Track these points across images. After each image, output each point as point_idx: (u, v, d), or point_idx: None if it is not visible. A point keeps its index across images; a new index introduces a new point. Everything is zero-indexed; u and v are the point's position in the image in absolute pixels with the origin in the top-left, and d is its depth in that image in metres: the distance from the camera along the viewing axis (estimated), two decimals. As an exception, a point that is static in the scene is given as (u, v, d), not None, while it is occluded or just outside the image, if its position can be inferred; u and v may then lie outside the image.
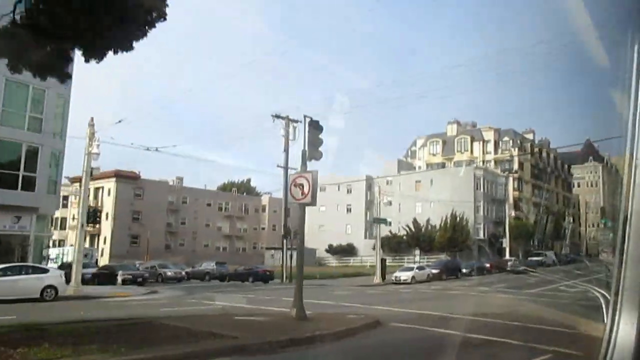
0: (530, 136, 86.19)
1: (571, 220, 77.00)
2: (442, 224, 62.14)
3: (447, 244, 60.42)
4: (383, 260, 41.87)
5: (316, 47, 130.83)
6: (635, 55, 2.61)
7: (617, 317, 2.63)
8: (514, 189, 75.26)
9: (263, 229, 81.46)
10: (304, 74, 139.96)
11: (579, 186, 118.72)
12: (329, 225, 76.63)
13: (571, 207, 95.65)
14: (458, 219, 62.08)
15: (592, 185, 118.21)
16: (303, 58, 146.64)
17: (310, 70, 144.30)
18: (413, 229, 65.03)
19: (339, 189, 76.83)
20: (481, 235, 64.30)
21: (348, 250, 72.83)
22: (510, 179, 75.43)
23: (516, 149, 77.79)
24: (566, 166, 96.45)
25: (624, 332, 2.56)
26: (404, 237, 65.71)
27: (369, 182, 74.85)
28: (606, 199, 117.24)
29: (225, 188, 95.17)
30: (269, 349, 9.33)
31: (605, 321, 2.79)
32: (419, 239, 63.85)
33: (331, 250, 72.43)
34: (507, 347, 9.49)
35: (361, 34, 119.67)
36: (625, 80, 2.67)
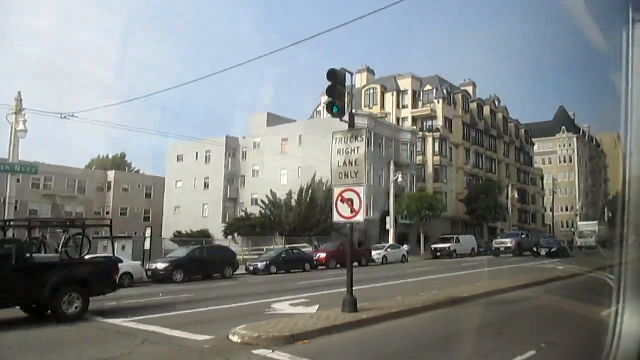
0: (469, 89, 65.80)
1: (511, 198, 56.52)
2: (297, 197, 41.96)
3: (299, 224, 40.27)
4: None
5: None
6: (628, 34, 2.64)
7: (620, 303, 2.69)
8: (434, 153, 54.94)
9: (107, 213, 61.28)
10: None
11: (550, 162, 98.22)
12: (185, 206, 56.74)
13: (529, 184, 75.14)
14: (325, 187, 41.82)
15: (565, 161, 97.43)
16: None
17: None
18: (270, 206, 44.89)
19: (196, 157, 56.84)
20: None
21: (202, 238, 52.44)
22: (430, 139, 55.16)
23: (440, 101, 57.37)
24: (522, 131, 75.78)
25: (629, 317, 2.56)
26: (261, 218, 45.59)
27: (231, 146, 54.59)
28: (583, 177, 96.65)
29: (91, 165, 75.54)
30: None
31: (611, 307, 2.91)
32: (273, 220, 43.72)
33: (179, 238, 52.02)
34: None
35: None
36: (617, 59, 2.71)
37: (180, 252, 24.17)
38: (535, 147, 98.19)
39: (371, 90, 60.01)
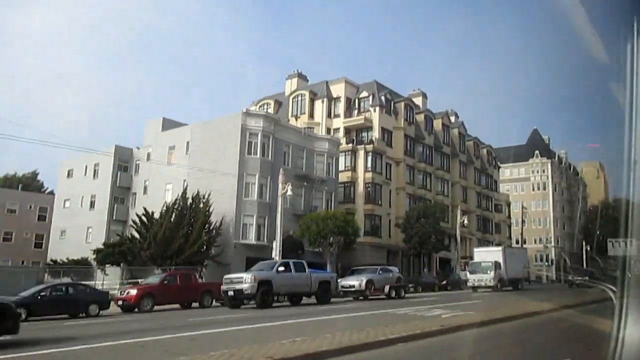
0: (418, 100, 57.71)
1: (461, 224, 47.49)
2: (161, 217, 32.86)
3: (157, 252, 31.05)
4: None
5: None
6: (629, 49, 2.70)
7: (623, 315, 2.70)
8: (366, 169, 46.14)
9: (-14, 238, 51.83)
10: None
11: (522, 190, 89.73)
12: (71, 230, 47.41)
13: (492, 211, 66.27)
14: (201, 203, 32.81)
15: (538, 188, 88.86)
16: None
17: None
18: (142, 230, 35.62)
19: (85, 172, 47.90)
20: (252, 238, 34.59)
21: (82, 269, 42.49)
22: (362, 152, 46.49)
23: (376, 109, 49.04)
24: (485, 151, 67.36)
25: (632, 328, 2.61)
26: (129, 244, 36.39)
27: (123, 159, 45.73)
28: (559, 207, 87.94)
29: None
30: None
31: (614, 319, 2.85)
32: (143, 246, 34.40)
33: (52, 269, 42.37)
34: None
35: None
36: (620, 74, 2.76)
37: None
38: (508, 173, 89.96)
39: (299, 97, 51.75)
